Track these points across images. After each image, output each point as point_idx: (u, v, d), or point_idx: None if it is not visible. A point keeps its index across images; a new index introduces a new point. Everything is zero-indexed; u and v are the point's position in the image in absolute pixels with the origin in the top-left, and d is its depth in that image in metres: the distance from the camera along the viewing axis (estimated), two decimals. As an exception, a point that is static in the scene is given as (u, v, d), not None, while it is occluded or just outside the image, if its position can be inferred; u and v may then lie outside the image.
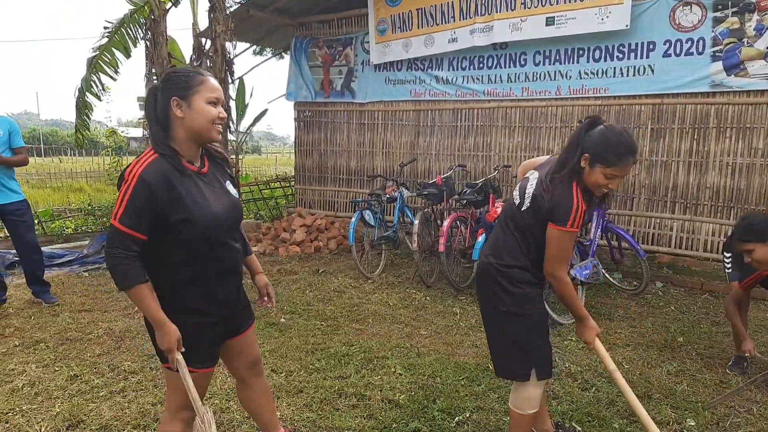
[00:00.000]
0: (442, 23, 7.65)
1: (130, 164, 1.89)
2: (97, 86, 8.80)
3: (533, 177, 2.50)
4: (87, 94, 8.79)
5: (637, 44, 6.27)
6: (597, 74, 6.57)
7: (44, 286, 5.07)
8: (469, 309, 5.11)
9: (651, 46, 6.19)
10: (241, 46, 10.11)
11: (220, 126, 1.98)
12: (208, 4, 8.22)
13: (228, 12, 8.46)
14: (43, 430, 2.83)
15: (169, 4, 8.53)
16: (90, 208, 9.27)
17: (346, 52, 8.70)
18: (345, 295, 5.43)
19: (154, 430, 2.82)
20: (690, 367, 3.88)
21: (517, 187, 2.59)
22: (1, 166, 4.77)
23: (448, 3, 7.54)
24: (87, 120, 9.05)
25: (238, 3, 8.76)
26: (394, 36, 8.08)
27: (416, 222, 5.85)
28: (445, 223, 5.67)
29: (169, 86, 1.93)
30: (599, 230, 5.40)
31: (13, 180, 4.92)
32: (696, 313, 5.06)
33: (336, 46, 8.79)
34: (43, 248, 5.32)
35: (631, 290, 5.62)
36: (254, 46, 11.83)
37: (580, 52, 6.67)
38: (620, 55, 6.41)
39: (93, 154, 22.83)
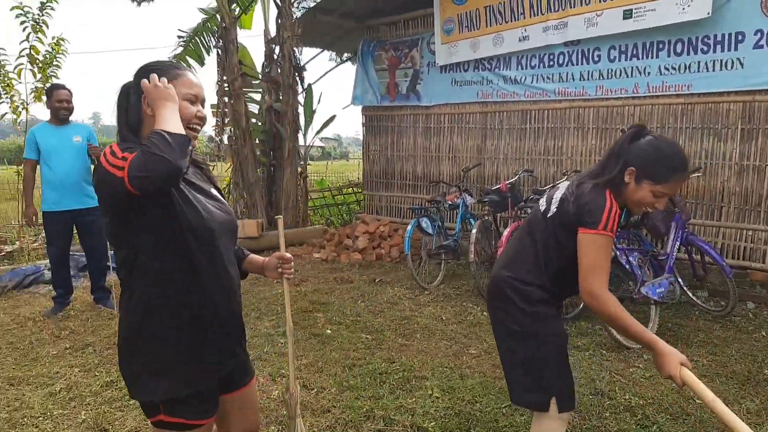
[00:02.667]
0: (511, 21, 7.28)
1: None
2: (173, 94, 9.14)
3: (563, 184, 2.25)
4: (164, 102, 9.15)
5: (723, 35, 5.62)
6: (679, 69, 5.97)
7: (106, 292, 5.24)
8: (527, 326, 4.75)
9: (740, 37, 5.52)
10: (313, 51, 10.16)
11: (198, 127, 1.75)
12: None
13: (295, 18, 8.53)
14: (70, 439, 2.86)
15: (238, 10, 8.70)
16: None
17: (411, 54, 8.52)
18: (397, 307, 5.23)
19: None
20: (776, 406, 3.37)
21: (545, 196, 2.32)
22: (81, 171, 4.97)
23: (518, 0, 7.17)
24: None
25: (305, 8, 8.78)
26: (461, 36, 7.80)
27: (474, 230, 5.56)
28: (505, 232, 5.34)
29: (141, 79, 1.66)
30: (678, 243, 4.87)
31: (90, 185, 5.05)
32: (792, 340, 4.44)
33: (402, 48, 8.62)
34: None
35: (716, 311, 5.04)
36: (331, 52, 11.92)
37: (660, 45, 6.09)
38: (705, 48, 5.78)
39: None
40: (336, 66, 10.99)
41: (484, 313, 5.14)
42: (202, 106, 1.78)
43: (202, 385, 1.71)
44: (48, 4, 6.99)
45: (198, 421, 1.70)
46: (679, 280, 5.33)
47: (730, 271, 4.81)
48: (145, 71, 1.67)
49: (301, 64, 9.07)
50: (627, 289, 4.53)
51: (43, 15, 7.00)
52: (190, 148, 1.63)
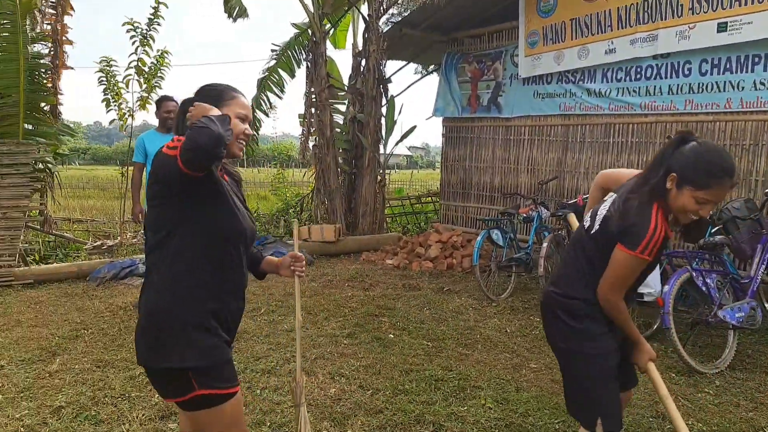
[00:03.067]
0: (598, 33, 7.14)
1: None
2: (265, 104, 9.69)
3: (610, 199, 2.24)
4: (256, 111, 9.72)
5: (829, 47, 5.24)
6: (777, 84, 5.62)
7: None
8: (594, 344, 4.64)
9: None
10: (399, 64, 10.40)
11: (243, 143, 1.95)
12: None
13: (381, 32, 8.80)
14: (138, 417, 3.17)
15: (329, 26, 9.08)
16: (256, 215, 10.20)
17: (494, 67, 8.53)
18: (461, 317, 5.28)
19: None
20: None
21: (590, 210, 2.33)
22: None
23: (605, 12, 7.02)
24: (256, 135, 9.99)
25: (392, 23, 9.04)
26: (545, 48, 7.72)
27: (545, 244, 5.50)
28: (576, 248, 5.25)
29: (201, 99, 1.87)
30: (763, 266, 4.59)
31: None
32: None
33: (485, 61, 8.65)
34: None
35: (806, 341, 4.68)
36: (416, 65, 12.13)
37: (756, 59, 5.75)
38: (807, 61, 5.41)
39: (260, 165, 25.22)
40: (421, 78, 11.16)
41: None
42: (250, 126, 1.98)
43: (225, 354, 1.85)
44: (155, 20, 7.64)
45: (229, 390, 1.82)
46: (766, 305, 5.02)
47: (822, 300, 4.46)
48: (208, 91, 1.92)
49: (386, 76, 9.33)
50: (702, 311, 4.33)
51: (150, 30, 7.67)
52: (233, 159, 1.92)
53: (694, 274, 4.24)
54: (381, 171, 9.18)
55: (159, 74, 7.89)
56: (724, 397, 3.68)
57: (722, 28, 5.94)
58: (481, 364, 4.13)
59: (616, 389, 2.21)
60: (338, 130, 9.33)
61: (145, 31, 7.66)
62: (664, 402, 2.15)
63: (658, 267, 4.73)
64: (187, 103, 1.91)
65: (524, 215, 6.60)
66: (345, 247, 8.10)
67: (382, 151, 9.40)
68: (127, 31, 7.63)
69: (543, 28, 7.69)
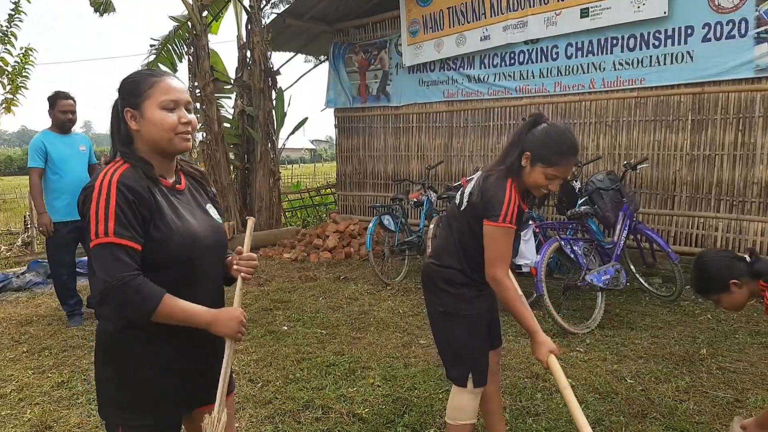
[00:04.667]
0: (473, 21, 7.44)
1: (95, 178, 1.59)
2: (147, 101, 9.25)
3: (476, 176, 2.45)
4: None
5: (674, 30, 5.78)
6: (632, 64, 6.13)
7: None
8: (480, 317, 4.89)
9: (689, 31, 5.68)
10: (287, 55, 10.29)
11: (186, 134, 1.64)
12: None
13: (264, 23, 8.66)
14: (17, 434, 2.97)
15: (211, 19, 8.81)
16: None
17: (380, 56, 8.66)
18: (357, 303, 5.36)
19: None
20: (705, 383, 3.50)
21: (460, 190, 2.51)
22: (87, 181, 4.93)
23: (479, 0, 7.32)
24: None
25: (276, 14, 8.92)
26: (426, 36, 7.94)
27: (431, 226, 5.69)
28: (461, 227, 5.48)
29: (121, 96, 1.64)
30: (625, 231, 5.02)
31: None
32: (734, 322, 4.58)
33: (371, 51, 8.76)
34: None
35: (666, 297, 5.18)
36: (307, 56, 12.03)
37: (614, 41, 6.24)
38: (656, 43, 5.93)
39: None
40: (312, 68, 11.12)
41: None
42: (188, 110, 1.66)
43: (164, 415, 1.66)
44: (16, 15, 7.08)
45: None
46: (632, 267, 5.49)
47: (676, 258, 4.95)
48: (124, 85, 1.67)
49: (274, 68, 9.20)
50: (572, 277, 4.67)
51: (11, 27, 7.10)
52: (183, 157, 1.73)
53: (562, 242, 4.57)
54: (275, 165, 9.06)
55: (24, 73, 7.31)
56: (592, 353, 4.00)
57: (585, 14, 6.38)
58: (373, 345, 4.23)
59: (485, 348, 2.44)
60: (227, 124, 9.10)
61: (5, 29, 7.07)
62: (563, 393, 2.05)
63: (533, 239, 5.05)
64: (116, 103, 1.68)
65: (414, 200, 6.78)
66: (239, 245, 7.93)
67: (280, 145, 9.29)
68: (-16, 29, 7.02)
69: (423, 17, 7.90)
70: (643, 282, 5.41)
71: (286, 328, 4.65)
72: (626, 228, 5.03)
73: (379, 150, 8.81)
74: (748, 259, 2.27)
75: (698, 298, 2.45)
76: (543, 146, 2.18)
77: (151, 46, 9.05)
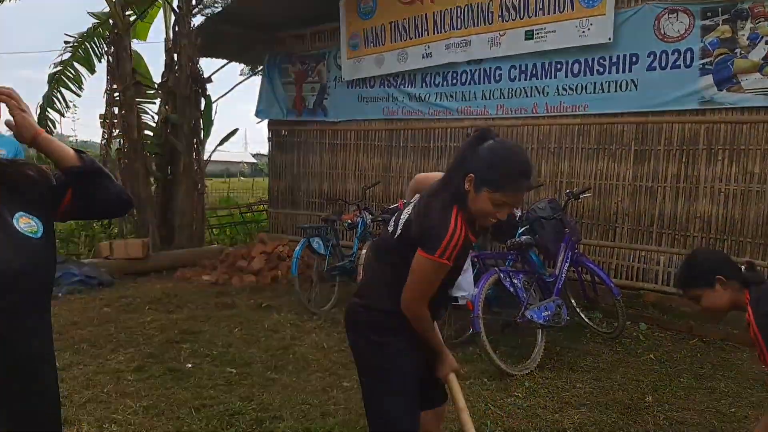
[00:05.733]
0: (415, 37, 7.12)
1: None
2: (60, 102, 8.44)
3: (414, 202, 2.04)
4: (49, 110, 8.43)
5: (618, 57, 5.63)
6: (576, 90, 5.93)
7: None
8: (412, 354, 4.44)
9: (634, 59, 5.54)
10: (220, 62, 9.69)
11: None
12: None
13: (193, 26, 8.09)
14: None
15: (134, 18, 8.15)
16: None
17: (318, 68, 8.22)
18: (277, 335, 4.81)
19: None
20: (652, 438, 3.17)
21: (394, 216, 2.13)
22: None
23: (422, 16, 7.01)
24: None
25: (207, 16, 8.35)
26: (367, 51, 7.57)
27: (364, 251, 5.24)
28: (395, 253, 5.06)
29: None
30: (567, 264, 4.73)
31: None
32: (678, 363, 4.33)
33: (309, 62, 8.32)
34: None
35: (607, 333, 4.90)
36: (242, 65, 11.45)
37: (558, 65, 6.05)
38: (601, 69, 5.77)
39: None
40: (246, 78, 10.56)
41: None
42: None
43: None
44: None
45: None
46: (573, 301, 5.21)
47: (618, 292, 4.70)
48: None
49: (204, 74, 8.60)
50: (511, 312, 4.31)
51: None
52: None
53: (501, 275, 4.21)
54: (200, 177, 8.41)
55: None
56: (532, 400, 3.62)
57: (529, 35, 6.16)
58: (288, 389, 3.69)
59: (413, 407, 2.02)
60: (149, 132, 8.40)
61: None
62: (459, 415, 2.06)
63: (470, 269, 4.66)
64: None
65: (348, 221, 6.32)
66: (157, 264, 7.23)
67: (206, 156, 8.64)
68: None
69: (364, 31, 7.53)
70: (584, 317, 5.13)
71: (190, 365, 4.04)
72: (568, 260, 4.74)
73: (315, 167, 8.32)
74: (743, 268, 2.12)
75: (680, 292, 2.17)
76: (489, 167, 1.81)
77: (66, 42, 8.27)
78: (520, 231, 4.95)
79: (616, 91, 5.69)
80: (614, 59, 5.66)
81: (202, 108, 8.41)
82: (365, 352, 2.04)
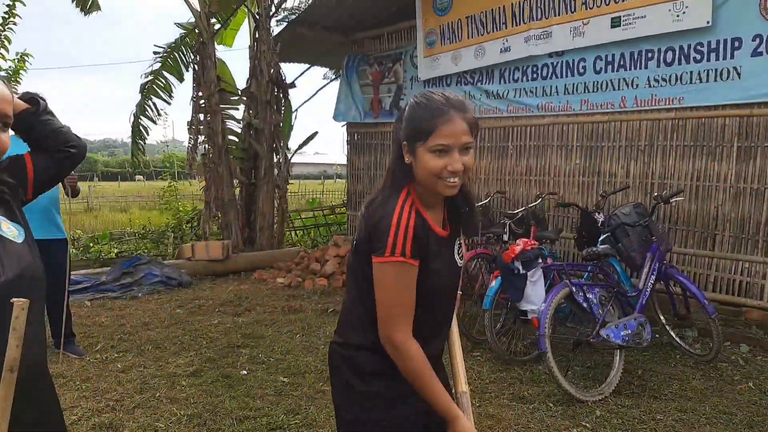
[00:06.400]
0: (493, 31, 6.77)
1: None
2: (151, 110, 8.90)
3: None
4: (142, 118, 8.91)
5: (718, 42, 4.98)
6: (669, 81, 5.34)
7: (73, 337, 4.46)
8: (475, 369, 4.16)
9: (736, 44, 4.88)
10: (303, 67, 9.80)
11: None
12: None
13: (273, 32, 8.22)
14: None
15: (218, 26, 8.41)
16: (144, 231, 9.35)
17: (395, 69, 8.07)
18: (337, 343, 4.69)
19: None
20: (744, 487, 2.70)
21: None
22: (50, 196, 4.26)
23: (499, 8, 6.65)
24: (142, 144, 9.18)
25: (286, 22, 8.45)
26: (443, 48, 7.31)
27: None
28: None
29: None
30: (653, 276, 4.23)
31: (58, 214, 4.41)
32: (784, 396, 3.73)
33: (386, 63, 8.18)
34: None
35: (700, 356, 4.34)
36: (326, 69, 11.56)
37: (649, 54, 5.47)
38: (698, 57, 5.14)
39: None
40: (329, 82, 10.61)
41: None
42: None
43: None
44: (10, 19, 6.78)
45: None
46: (662, 318, 4.68)
47: (713, 310, 4.13)
48: None
49: (284, 78, 8.73)
50: (584, 330, 3.91)
51: (5, 30, 6.80)
52: None
53: (573, 288, 3.81)
54: (282, 180, 8.53)
55: (18, 79, 6.99)
56: (601, 431, 3.23)
57: (616, 23, 5.64)
58: (337, 403, 3.55)
59: None
60: (234, 138, 8.64)
61: (-2, 32, 6.78)
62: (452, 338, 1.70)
63: (542, 281, 4.29)
64: None
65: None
66: (236, 266, 7.40)
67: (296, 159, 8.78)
68: (-22, 33, 6.74)
69: (440, 27, 7.28)
70: (673, 336, 4.58)
71: (245, 372, 4.02)
72: (654, 272, 4.24)
73: (391, 169, 8.17)
74: None
75: None
76: (411, 120, 1.51)
77: (155, 53, 8.69)
78: (600, 238, 4.51)
79: (715, 80, 5.04)
80: (713, 45, 5.02)
81: (284, 113, 8.51)
82: (346, 403, 1.64)
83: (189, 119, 8.21)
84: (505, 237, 5.10)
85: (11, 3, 6.78)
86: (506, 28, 6.62)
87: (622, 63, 5.71)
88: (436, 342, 1.64)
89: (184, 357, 4.29)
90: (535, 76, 6.46)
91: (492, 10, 6.71)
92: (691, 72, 5.20)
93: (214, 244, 7.25)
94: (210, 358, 4.25)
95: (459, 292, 1.76)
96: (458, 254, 1.66)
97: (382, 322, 1.50)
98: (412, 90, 7.81)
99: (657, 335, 4.69)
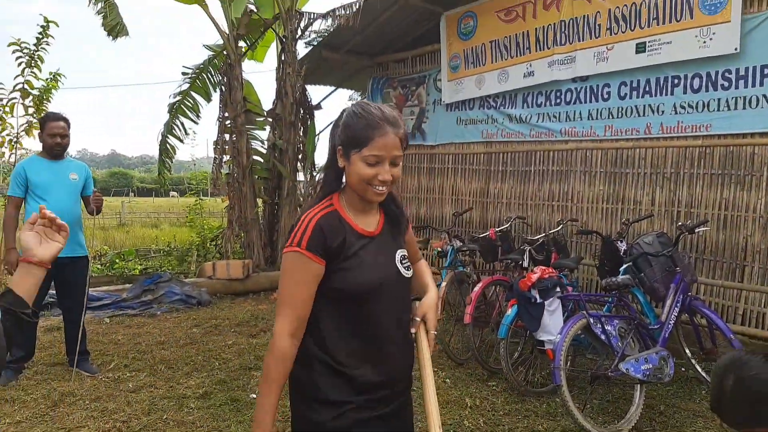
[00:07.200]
0: (517, 56, 6.75)
1: None
2: (179, 129, 9.07)
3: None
4: (169, 137, 9.09)
5: (747, 69, 4.87)
6: (696, 108, 5.22)
7: (87, 354, 4.49)
8: (489, 400, 4.05)
9: (766, 71, 4.76)
10: (328, 89, 9.89)
11: None
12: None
13: (298, 54, 8.33)
14: None
15: (247, 49, 8.57)
16: (169, 248, 9.46)
17: (418, 92, 8.09)
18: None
19: None
20: None
21: None
22: (75, 214, 4.40)
23: (523, 33, 6.64)
24: (169, 162, 9.34)
25: (312, 45, 8.57)
26: (467, 72, 7.31)
27: (443, 283, 4.94)
28: (476, 287, 4.71)
29: None
30: (677, 309, 4.08)
31: (81, 232, 4.50)
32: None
33: (410, 86, 8.21)
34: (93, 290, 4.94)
35: (727, 392, 4.15)
36: (351, 91, 11.67)
37: (675, 81, 5.37)
38: (726, 84, 5.02)
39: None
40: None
41: (449, 379, 4.49)
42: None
43: None
44: (44, 39, 7.00)
45: None
46: (688, 351, 4.50)
47: (739, 345, 3.93)
48: None
49: (311, 101, 8.84)
50: (602, 364, 3.78)
51: (38, 50, 7.01)
52: None
53: (591, 320, 3.70)
54: (304, 200, 8.57)
55: (48, 97, 7.19)
56: (618, 471, 3.10)
57: (641, 48, 5.57)
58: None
59: None
60: (259, 158, 8.73)
61: (32, 52, 6.99)
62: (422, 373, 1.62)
63: (560, 310, 4.18)
64: None
65: (438, 249, 6.03)
66: (256, 285, 7.42)
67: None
68: (13, 52, 6.95)
69: (464, 51, 7.29)
70: (699, 370, 4.39)
71: (254, 396, 3.98)
72: (678, 304, 4.09)
73: (412, 191, 8.15)
74: None
75: (727, 426, 1.52)
76: (348, 128, 1.62)
77: (184, 74, 8.88)
78: (622, 268, 4.39)
79: (744, 108, 4.92)
80: (742, 72, 4.91)
81: (308, 133, 8.58)
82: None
83: (215, 139, 8.34)
84: (524, 263, 5.01)
85: (45, 24, 7.00)
86: (530, 52, 6.60)
87: (647, 89, 5.62)
88: (380, 367, 1.60)
89: (196, 378, 4.28)
90: (558, 101, 6.40)
91: (516, 35, 6.70)
92: (719, 99, 5.09)
93: (234, 263, 7.28)
94: (221, 380, 4.22)
95: (421, 321, 1.71)
96: (402, 264, 1.70)
97: (276, 310, 1.59)
98: (435, 113, 7.81)
99: (682, 368, 4.53)
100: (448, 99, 7.55)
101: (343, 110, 1.69)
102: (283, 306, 1.54)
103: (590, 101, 6.09)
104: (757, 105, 4.83)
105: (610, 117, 5.91)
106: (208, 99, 9.12)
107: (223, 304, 6.73)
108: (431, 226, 6.99)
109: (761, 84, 4.79)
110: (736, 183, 5.00)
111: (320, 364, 1.56)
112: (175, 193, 31.84)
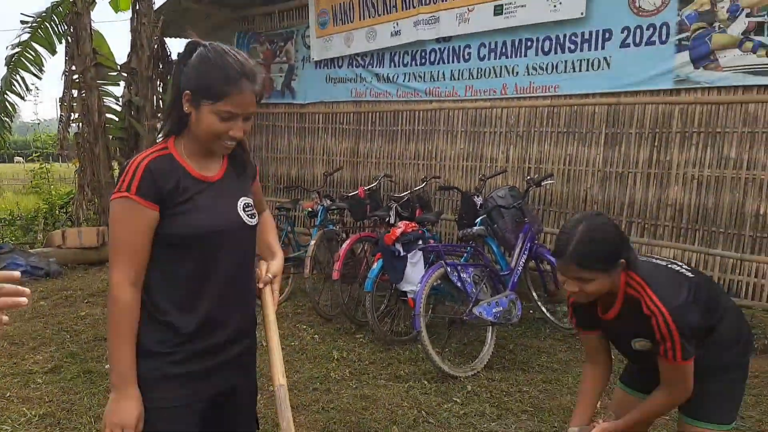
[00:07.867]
0: (384, 14, 6.75)
1: None
2: (19, 85, 8.12)
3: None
4: (8, 93, 8.12)
5: (591, 33, 5.25)
6: (546, 69, 5.57)
7: None
8: (356, 352, 4.16)
9: (607, 35, 5.16)
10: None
11: None
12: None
13: (155, 3, 7.73)
14: None
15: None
16: (11, 216, 8.56)
17: (286, 48, 7.87)
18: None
19: None
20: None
21: None
22: None
23: (391, -10, 6.64)
24: (9, 122, 8.37)
25: (171, -6, 7.97)
26: (336, 29, 7.20)
27: (312, 242, 4.95)
28: (344, 244, 4.76)
29: None
30: (525, 256, 4.42)
31: None
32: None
33: (277, 41, 7.96)
34: None
35: (567, 329, 4.61)
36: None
37: (529, 43, 5.67)
38: (572, 47, 5.39)
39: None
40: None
41: (317, 335, 4.53)
42: None
43: None
44: None
45: None
46: (535, 295, 4.91)
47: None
48: None
49: (170, 54, 8.27)
50: (458, 309, 4.02)
51: None
52: None
53: (448, 269, 3.90)
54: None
55: None
56: (470, 406, 3.33)
57: (498, 11, 5.79)
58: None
59: None
60: (113, 116, 8.07)
61: None
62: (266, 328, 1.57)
63: (421, 262, 4.36)
64: None
65: (309, 209, 6.00)
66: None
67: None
68: None
69: (332, 7, 7.16)
70: (545, 311, 4.83)
71: (108, 366, 3.76)
72: (526, 252, 4.43)
73: (283, 151, 8.01)
74: None
75: (567, 268, 1.79)
76: (201, 76, 1.48)
77: (24, 23, 7.92)
78: (478, 220, 4.65)
79: (588, 70, 5.32)
80: (587, 36, 5.28)
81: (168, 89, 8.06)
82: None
83: (61, 95, 7.56)
84: (391, 220, 5.13)
85: None
86: (396, 11, 6.62)
87: (504, 51, 5.88)
88: (212, 317, 1.53)
89: (43, 353, 3.96)
90: (423, 60, 6.52)
91: (383, -9, 6.68)
92: (566, 61, 5.45)
93: (88, 230, 6.76)
94: (72, 353, 3.94)
95: (271, 276, 1.65)
96: (245, 211, 1.61)
97: (109, 261, 1.49)
98: (304, 70, 7.66)
99: (530, 311, 4.93)
100: (317, 56, 7.42)
101: (194, 45, 1.52)
102: (119, 255, 1.43)
103: (452, 62, 6.27)
104: (599, 67, 5.24)
105: (471, 78, 6.14)
106: (53, 51, 8.20)
107: (75, 274, 6.23)
108: (302, 186, 6.92)
109: (603, 47, 5.19)
110: (578, 140, 5.44)
111: (144, 311, 1.48)
112: (20, 159, 28.78)
